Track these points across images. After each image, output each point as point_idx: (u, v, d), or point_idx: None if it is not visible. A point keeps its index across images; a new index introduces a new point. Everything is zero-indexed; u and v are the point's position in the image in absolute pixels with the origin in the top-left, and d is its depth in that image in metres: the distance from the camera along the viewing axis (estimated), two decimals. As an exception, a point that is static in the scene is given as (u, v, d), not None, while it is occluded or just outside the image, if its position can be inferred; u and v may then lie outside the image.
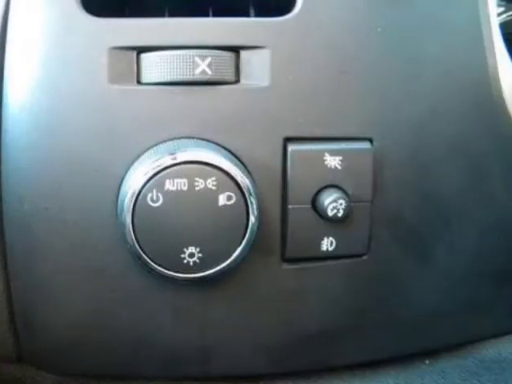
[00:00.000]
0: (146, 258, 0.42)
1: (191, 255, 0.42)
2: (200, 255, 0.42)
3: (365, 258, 0.46)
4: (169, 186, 0.41)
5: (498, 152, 0.47)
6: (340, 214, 0.43)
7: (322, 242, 0.45)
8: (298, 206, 0.44)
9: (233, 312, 0.46)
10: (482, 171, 0.47)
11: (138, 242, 0.41)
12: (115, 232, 0.43)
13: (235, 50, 0.43)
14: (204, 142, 0.43)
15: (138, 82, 0.43)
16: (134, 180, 0.41)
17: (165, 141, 0.43)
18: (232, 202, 0.41)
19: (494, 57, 0.47)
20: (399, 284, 0.48)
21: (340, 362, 0.50)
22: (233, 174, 0.41)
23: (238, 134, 0.43)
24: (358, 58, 0.44)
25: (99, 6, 0.43)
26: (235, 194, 0.41)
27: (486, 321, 0.53)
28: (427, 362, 0.55)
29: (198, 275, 0.42)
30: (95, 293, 0.45)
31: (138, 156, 0.42)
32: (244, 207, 0.41)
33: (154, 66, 0.42)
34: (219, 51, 0.42)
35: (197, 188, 0.41)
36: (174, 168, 0.41)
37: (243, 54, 0.43)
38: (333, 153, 0.43)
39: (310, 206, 0.44)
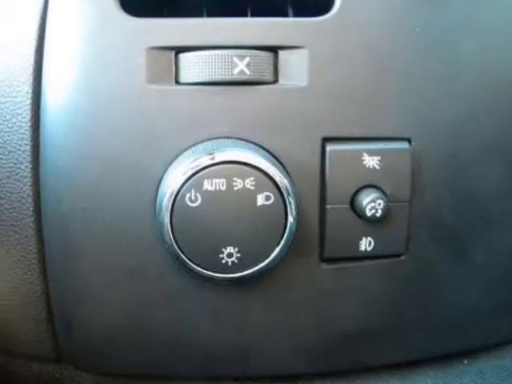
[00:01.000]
0: (184, 257, 0.42)
1: (229, 255, 0.42)
2: (238, 255, 0.42)
3: (403, 257, 0.46)
4: (207, 185, 0.41)
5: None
6: (378, 214, 0.43)
7: (361, 241, 0.45)
8: (336, 206, 0.44)
9: (271, 312, 0.46)
10: (520, 171, 0.47)
11: (176, 241, 0.41)
12: (153, 232, 0.43)
13: (273, 49, 0.43)
14: (242, 141, 0.43)
15: (177, 82, 0.43)
16: (173, 180, 0.41)
17: (203, 141, 0.43)
18: (270, 201, 0.41)
19: (533, 56, 0.46)
20: (437, 284, 0.48)
21: (378, 361, 0.50)
22: (271, 174, 0.41)
23: (276, 133, 0.43)
24: (396, 57, 0.43)
25: (137, 5, 0.43)
26: (273, 194, 0.41)
27: (525, 320, 0.53)
28: (465, 361, 0.54)
29: (236, 275, 0.42)
30: (133, 293, 0.45)
31: (177, 156, 0.43)
32: (282, 207, 0.41)
33: (193, 66, 0.42)
34: (258, 51, 0.42)
35: (235, 188, 0.41)
36: (213, 168, 0.41)
37: (281, 53, 0.43)
38: (371, 153, 0.43)
39: (348, 205, 0.44)
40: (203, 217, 0.41)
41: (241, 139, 0.43)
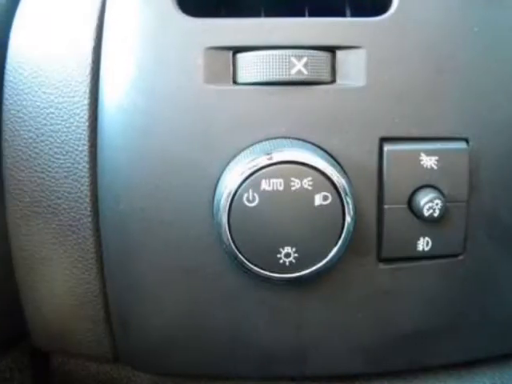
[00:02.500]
0: (242, 257, 0.42)
1: (287, 255, 0.42)
2: (296, 255, 0.42)
3: (460, 257, 0.46)
4: (265, 186, 0.41)
5: None
6: (436, 214, 0.43)
7: (418, 241, 0.44)
8: (393, 206, 0.44)
9: (328, 312, 0.46)
10: None
11: (234, 241, 0.41)
12: (211, 232, 0.43)
13: (331, 49, 0.43)
14: (300, 141, 0.43)
15: (234, 82, 0.43)
16: (230, 180, 0.41)
17: (261, 141, 0.43)
18: (328, 201, 0.41)
19: None
20: (495, 283, 0.47)
21: (435, 361, 0.50)
22: (329, 174, 0.41)
23: (333, 133, 0.43)
24: (455, 57, 0.43)
25: (195, 5, 0.43)
26: (331, 194, 0.41)
27: None
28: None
29: (294, 275, 0.42)
30: (191, 292, 0.45)
31: (234, 156, 0.43)
32: (340, 207, 0.41)
33: (250, 66, 0.42)
34: (315, 51, 0.42)
35: (293, 188, 0.41)
36: (270, 168, 0.41)
37: (339, 53, 0.43)
38: (429, 153, 0.43)
39: (405, 205, 0.44)
40: (261, 217, 0.41)
41: (298, 139, 0.43)
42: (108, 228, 0.45)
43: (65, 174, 0.45)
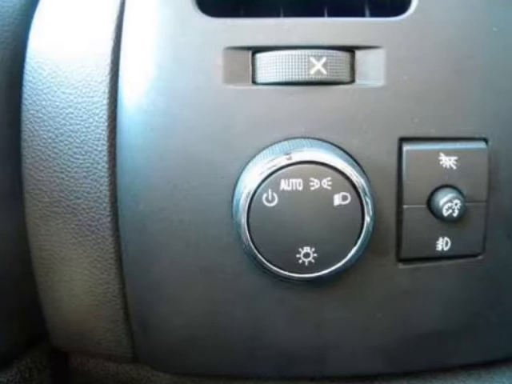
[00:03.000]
0: (261, 257, 0.42)
1: (306, 255, 0.42)
2: (315, 255, 0.42)
3: (480, 257, 0.46)
4: (284, 186, 0.41)
5: None
6: (455, 214, 0.43)
7: (437, 241, 0.44)
8: (413, 206, 0.44)
9: (347, 312, 0.46)
10: None
11: (253, 241, 0.42)
12: (230, 232, 0.43)
13: (350, 49, 0.43)
14: (319, 141, 0.43)
15: (253, 82, 0.43)
16: (249, 180, 0.41)
17: (280, 141, 0.43)
18: (347, 202, 0.41)
19: None
20: (514, 283, 0.48)
21: (455, 361, 0.50)
22: (348, 174, 0.41)
23: (353, 133, 0.43)
24: (474, 57, 0.43)
25: (214, 5, 0.43)
26: (350, 194, 0.41)
27: None
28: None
29: (313, 275, 0.42)
30: (210, 292, 0.45)
31: (253, 156, 0.43)
32: (359, 207, 0.41)
33: (270, 66, 0.42)
34: (334, 51, 0.42)
35: (312, 188, 0.41)
36: (290, 168, 0.41)
37: (358, 53, 0.43)
38: (448, 153, 0.43)
39: (425, 205, 0.44)
40: (280, 217, 0.41)
41: (318, 139, 0.43)
42: (127, 228, 0.45)
43: (84, 174, 0.45)
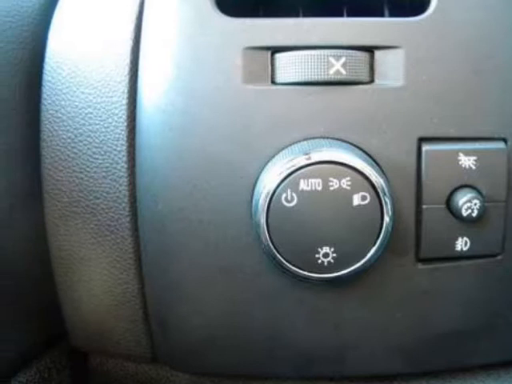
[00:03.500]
0: (280, 257, 0.42)
1: (325, 255, 0.42)
2: (334, 255, 0.42)
3: (499, 257, 0.46)
4: (303, 185, 0.41)
5: None
6: (474, 214, 0.43)
7: (457, 242, 0.44)
8: (432, 206, 0.44)
9: (367, 312, 0.46)
10: None
11: (272, 241, 0.42)
12: (249, 232, 0.43)
13: (370, 49, 0.43)
14: (338, 141, 0.43)
15: (273, 82, 0.43)
16: (269, 180, 0.41)
17: (299, 141, 0.43)
18: (366, 201, 0.41)
19: None
20: (534, 283, 0.47)
21: (474, 362, 0.50)
22: (367, 174, 0.41)
23: (372, 133, 0.43)
24: (493, 57, 0.43)
25: (233, 5, 0.43)
26: (369, 194, 0.41)
27: None
28: None
29: (332, 275, 0.42)
30: (229, 292, 0.45)
31: (273, 156, 0.43)
32: (378, 207, 0.41)
33: (289, 66, 0.42)
34: (354, 51, 0.42)
35: (331, 188, 0.41)
36: (309, 168, 0.41)
37: (377, 53, 0.43)
38: (467, 153, 0.43)
39: (444, 206, 0.44)
40: (299, 217, 0.41)
41: (337, 139, 0.43)
42: (146, 228, 0.45)
43: (103, 174, 0.45)
